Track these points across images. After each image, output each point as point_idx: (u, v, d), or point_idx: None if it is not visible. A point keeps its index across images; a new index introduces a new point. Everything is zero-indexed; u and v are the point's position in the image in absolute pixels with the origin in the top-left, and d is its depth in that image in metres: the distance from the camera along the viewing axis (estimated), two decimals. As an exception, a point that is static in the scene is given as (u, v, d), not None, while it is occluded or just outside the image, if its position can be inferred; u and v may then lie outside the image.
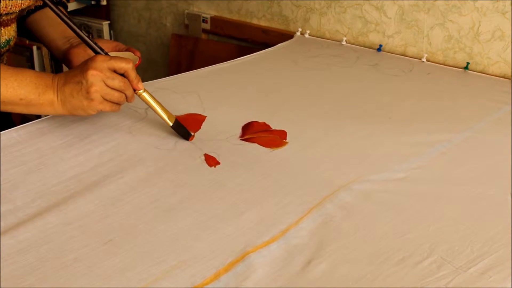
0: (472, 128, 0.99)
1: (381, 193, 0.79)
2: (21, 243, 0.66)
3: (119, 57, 0.84)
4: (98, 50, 0.86)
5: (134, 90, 0.85)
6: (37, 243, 0.66)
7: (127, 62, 0.83)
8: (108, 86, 0.82)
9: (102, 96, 0.82)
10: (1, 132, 0.86)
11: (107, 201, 0.74)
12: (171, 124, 0.89)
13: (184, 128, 0.90)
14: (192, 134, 0.91)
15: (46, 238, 0.67)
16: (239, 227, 0.71)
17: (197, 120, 0.96)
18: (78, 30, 0.87)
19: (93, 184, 0.77)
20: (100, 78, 0.81)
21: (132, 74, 0.84)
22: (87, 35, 0.89)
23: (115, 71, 0.82)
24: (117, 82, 0.82)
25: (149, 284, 0.61)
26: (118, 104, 0.85)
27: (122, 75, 0.83)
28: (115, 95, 0.83)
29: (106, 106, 0.83)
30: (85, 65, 0.82)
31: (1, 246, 0.65)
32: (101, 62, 0.81)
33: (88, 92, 0.81)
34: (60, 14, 0.86)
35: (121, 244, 0.67)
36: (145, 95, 0.87)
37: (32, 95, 0.83)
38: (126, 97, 0.85)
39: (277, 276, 0.63)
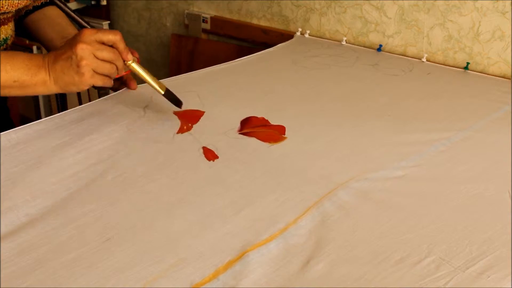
0: (471, 127, 0.99)
1: (380, 192, 0.79)
2: (21, 244, 0.65)
3: (106, 29, 0.84)
4: (84, 24, 0.87)
5: (124, 61, 0.85)
6: (36, 244, 0.66)
7: (115, 34, 0.83)
8: (98, 58, 0.82)
9: (93, 70, 0.82)
10: (0, 133, 0.86)
11: (106, 199, 0.74)
12: (162, 93, 0.90)
13: (175, 96, 0.91)
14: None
15: (45, 239, 0.66)
16: (238, 225, 0.70)
17: (195, 116, 0.96)
18: (63, 7, 0.87)
19: (92, 182, 0.77)
20: (89, 51, 0.81)
21: (121, 45, 0.84)
22: (78, 15, 0.89)
23: (103, 44, 0.82)
24: (106, 53, 0.82)
25: (148, 282, 0.61)
26: (109, 77, 0.85)
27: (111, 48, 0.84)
28: (106, 67, 0.83)
29: (98, 80, 0.83)
30: (73, 40, 0.82)
31: (1, 248, 0.65)
32: (89, 35, 0.81)
33: (78, 66, 0.81)
34: (60, 4, 0.87)
35: (120, 243, 0.67)
36: (134, 65, 0.87)
37: (25, 76, 0.83)
38: (117, 68, 0.85)
39: (276, 276, 0.63)
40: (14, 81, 0.83)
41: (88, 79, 0.82)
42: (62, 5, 0.89)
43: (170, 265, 0.63)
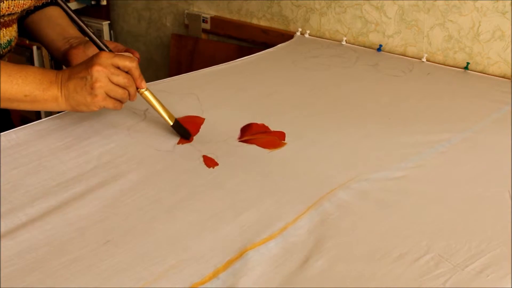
0: (471, 128, 0.99)
1: (379, 192, 0.79)
2: (21, 244, 0.66)
3: (123, 54, 0.85)
4: (103, 47, 0.87)
5: (137, 88, 0.86)
6: (36, 245, 0.66)
7: (131, 61, 0.84)
8: (113, 83, 0.82)
9: (106, 92, 0.82)
10: (0, 133, 0.86)
11: (106, 202, 0.74)
12: (171, 124, 0.89)
13: (184, 128, 0.91)
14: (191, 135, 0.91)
15: (45, 239, 0.67)
16: (238, 226, 0.71)
17: (195, 123, 0.96)
18: (84, 27, 0.87)
19: (92, 185, 0.77)
20: (105, 74, 0.81)
21: (136, 73, 0.85)
22: (92, 31, 0.89)
23: (119, 68, 0.83)
24: (121, 78, 0.83)
25: (148, 283, 0.61)
26: (120, 101, 0.85)
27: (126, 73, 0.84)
28: (119, 92, 0.83)
29: (109, 103, 0.84)
30: (90, 61, 0.82)
31: (1, 247, 0.65)
32: (106, 59, 0.82)
33: (92, 88, 0.81)
34: (67, 9, 0.87)
35: (120, 244, 0.67)
36: (147, 93, 0.87)
37: (37, 91, 0.83)
38: (129, 94, 0.85)
39: (275, 274, 0.63)
40: (25, 95, 0.82)
41: (100, 101, 0.83)
42: (65, 7, 0.88)
43: (170, 266, 0.64)
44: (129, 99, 0.86)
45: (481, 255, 0.67)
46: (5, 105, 0.83)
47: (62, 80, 0.84)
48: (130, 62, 0.83)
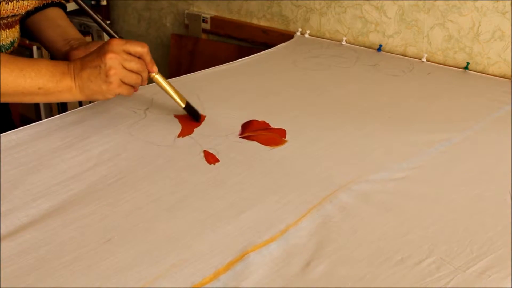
0: (472, 128, 0.99)
1: (381, 194, 0.79)
2: (21, 244, 0.66)
3: (134, 41, 0.86)
4: (114, 34, 0.89)
5: (148, 73, 0.87)
6: (36, 245, 0.66)
7: (143, 46, 0.85)
8: (126, 69, 0.83)
9: (120, 79, 0.83)
10: (1, 134, 0.86)
11: (107, 200, 0.74)
12: (183, 106, 0.92)
13: (195, 109, 0.93)
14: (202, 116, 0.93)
15: (46, 239, 0.67)
16: (239, 226, 0.71)
17: (196, 119, 0.96)
18: (93, 14, 0.89)
19: (93, 184, 0.77)
20: (119, 61, 0.82)
21: (148, 57, 0.86)
22: (101, 18, 0.90)
23: (131, 54, 0.84)
24: (134, 64, 0.84)
25: (148, 283, 0.61)
26: (133, 87, 0.87)
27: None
28: (133, 77, 0.84)
29: (124, 90, 0.85)
30: (102, 49, 0.83)
31: (1, 248, 0.65)
32: (118, 46, 0.83)
33: (107, 76, 0.82)
34: (80, 1, 0.88)
35: (120, 243, 0.67)
36: (158, 77, 0.89)
37: (50, 84, 0.83)
38: (142, 79, 0.86)
39: (277, 277, 0.63)
40: (39, 88, 0.83)
41: (115, 88, 0.83)
42: (82, 4, 0.89)
43: (171, 265, 0.64)
44: (141, 83, 0.87)
45: (483, 257, 0.67)
46: (18, 99, 0.84)
47: (75, 70, 0.84)
48: (141, 48, 0.84)
